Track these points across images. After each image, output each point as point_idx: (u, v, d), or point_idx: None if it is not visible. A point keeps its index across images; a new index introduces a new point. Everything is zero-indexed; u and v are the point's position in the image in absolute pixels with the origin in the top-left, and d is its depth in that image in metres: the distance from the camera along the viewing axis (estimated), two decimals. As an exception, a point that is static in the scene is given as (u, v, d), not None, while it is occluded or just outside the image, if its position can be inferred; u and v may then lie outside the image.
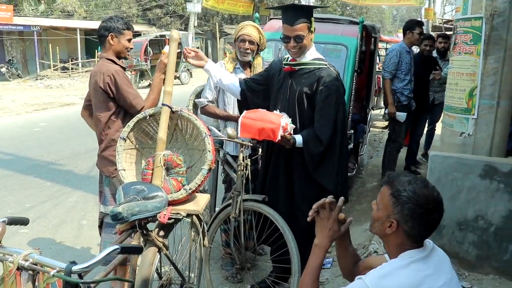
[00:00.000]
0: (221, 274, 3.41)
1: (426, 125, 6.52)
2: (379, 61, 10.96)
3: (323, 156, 2.72)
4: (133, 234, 2.14)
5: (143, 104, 2.78)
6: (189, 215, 2.25)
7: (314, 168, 2.75)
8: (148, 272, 2.03)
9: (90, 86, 2.90)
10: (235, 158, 3.23)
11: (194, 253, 2.67)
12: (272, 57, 4.91)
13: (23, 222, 1.85)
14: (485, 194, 2.97)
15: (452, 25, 7.29)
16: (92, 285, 1.57)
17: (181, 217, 2.19)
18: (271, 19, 5.42)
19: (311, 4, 35.62)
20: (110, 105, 2.82)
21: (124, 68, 2.98)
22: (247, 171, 2.92)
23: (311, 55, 2.78)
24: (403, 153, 6.06)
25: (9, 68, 20.62)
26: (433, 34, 8.26)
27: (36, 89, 17.67)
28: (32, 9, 25.68)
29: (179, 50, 3.06)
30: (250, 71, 3.41)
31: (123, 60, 3.07)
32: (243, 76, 3.26)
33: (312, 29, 2.72)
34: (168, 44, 2.50)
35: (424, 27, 6.09)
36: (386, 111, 5.50)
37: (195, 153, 2.48)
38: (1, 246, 1.59)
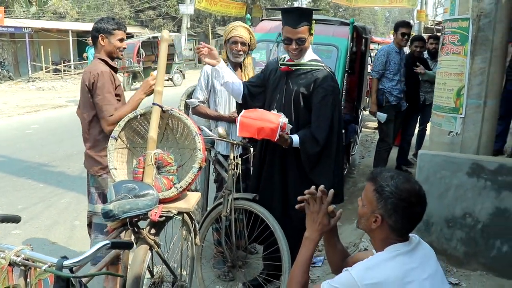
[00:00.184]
0: (213, 273, 3.43)
1: (417, 125, 6.57)
2: (371, 62, 11.01)
3: (320, 156, 2.73)
4: (124, 232, 2.16)
5: (112, 113, 2.77)
6: (180, 213, 2.27)
7: (311, 169, 2.76)
8: (139, 269, 2.05)
9: (81, 85, 2.93)
10: (226, 157, 3.25)
11: (186, 251, 2.70)
12: (265, 58, 4.94)
13: (15, 219, 1.87)
14: (473, 191, 3.02)
15: (442, 26, 7.34)
16: (84, 280, 1.59)
17: (172, 215, 2.21)
18: (262, 19, 5.45)
19: (304, 5, 35.74)
20: (93, 105, 2.85)
21: (116, 70, 3.00)
22: (238, 170, 2.95)
23: (309, 56, 2.80)
24: (394, 153, 6.11)
25: (0, 70, 20.45)
26: (425, 35, 8.35)
27: (28, 91, 17.53)
28: (24, 11, 25.50)
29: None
30: (241, 71, 3.44)
31: (116, 62, 3.08)
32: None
33: (312, 31, 2.74)
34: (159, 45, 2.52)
35: (415, 29, 6.15)
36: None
37: (185, 152, 2.50)
38: (-7, 243, 1.61)
